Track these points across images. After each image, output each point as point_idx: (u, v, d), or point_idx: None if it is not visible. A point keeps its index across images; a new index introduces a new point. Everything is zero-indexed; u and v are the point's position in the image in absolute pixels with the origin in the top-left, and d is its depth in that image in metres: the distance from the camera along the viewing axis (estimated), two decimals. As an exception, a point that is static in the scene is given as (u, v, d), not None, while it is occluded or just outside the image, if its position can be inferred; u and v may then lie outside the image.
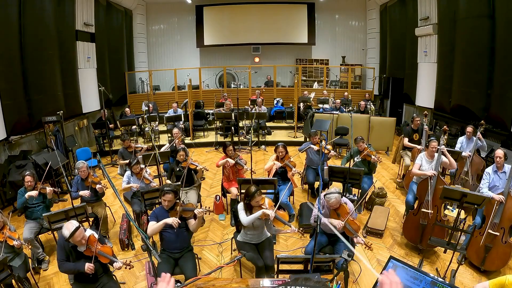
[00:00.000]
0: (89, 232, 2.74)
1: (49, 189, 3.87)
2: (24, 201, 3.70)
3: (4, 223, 3.16)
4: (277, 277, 2.76)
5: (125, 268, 2.68)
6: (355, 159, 4.78)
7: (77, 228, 2.56)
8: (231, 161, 4.60)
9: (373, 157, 4.62)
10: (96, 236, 2.73)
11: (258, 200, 3.11)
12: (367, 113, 8.19)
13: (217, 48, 12.14)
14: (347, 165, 4.46)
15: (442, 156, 3.86)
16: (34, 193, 3.67)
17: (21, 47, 5.72)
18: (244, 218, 3.11)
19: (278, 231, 3.29)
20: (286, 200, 4.39)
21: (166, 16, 12.11)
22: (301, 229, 3.20)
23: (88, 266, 2.59)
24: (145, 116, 7.92)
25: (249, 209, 3.17)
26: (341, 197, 3.20)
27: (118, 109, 9.79)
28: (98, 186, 4.10)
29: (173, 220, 2.92)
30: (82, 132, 8.17)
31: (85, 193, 4.03)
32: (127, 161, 5.47)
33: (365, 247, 2.93)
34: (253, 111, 8.44)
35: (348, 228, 3.08)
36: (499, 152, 3.71)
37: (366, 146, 4.80)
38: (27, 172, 3.80)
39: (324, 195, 3.19)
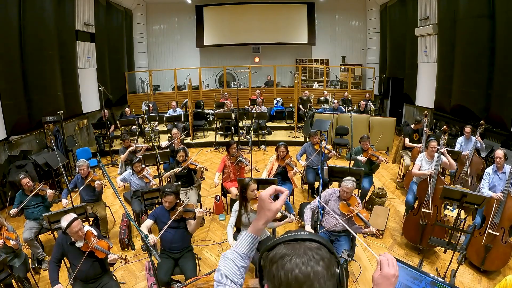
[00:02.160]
0: (87, 228, 2.75)
1: (49, 192, 3.87)
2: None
3: (1, 223, 3.16)
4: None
5: (121, 262, 2.68)
6: (357, 158, 4.77)
7: (74, 219, 2.61)
8: (216, 181, 4.63)
9: (380, 157, 4.61)
10: (95, 232, 2.74)
11: (252, 189, 3.14)
12: (367, 113, 8.19)
13: (217, 48, 12.14)
14: (347, 166, 4.45)
15: (442, 156, 3.86)
16: (13, 211, 3.64)
17: (21, 47, 5.72)
18: (230, 225, 3.21)
19: (277, 224, 3.30)
20: (286, 200, 4.39)
21: (166, 16, 12.10)
22: (298, 217, 3.24)
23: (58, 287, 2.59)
24: (145, 116, 7.92)
25: (244, 203, 3.19)
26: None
27: (118, 109, 9.78)
28: (97, 182, 4.10)
29: (151, 238, 2.86)
30: (82, 132, 8.17)
31: (65, 202, 3.99)
32: (128, 151, 5.47)
33: (376, 236, 3.06)
34: (253, 111, 8.44)
35: (359, 217, 3.14)
36: (499, 152, 3.71)
37: (370, 146, 4.80)
38: (21, 176, 3.77)
39: (340, 183, 3.32)
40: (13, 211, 3.64)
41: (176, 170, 4.49)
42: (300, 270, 0.71)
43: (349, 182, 3.26)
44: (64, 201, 4.04)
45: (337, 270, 0.76)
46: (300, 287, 0.71)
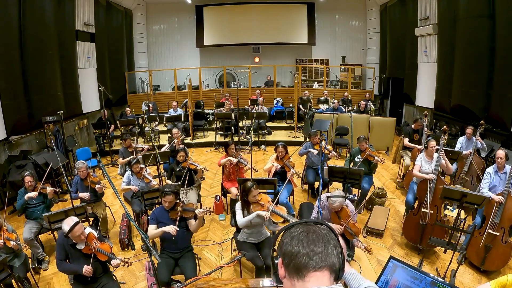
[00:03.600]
0: (88, 230, 2.75)
1: (49, 189, 3.87)
2: (23, 203, 3.69)
3: (1, 224, 3.15)
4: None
5: (123, 265, 2.68)
6: (356, 158, 4.77)
7: (76, 223, 2.59)
8: (234, 160, 4.60)
9: (376, 157, 4.61)
10: (96, 234, 2.74)
11: (254, 194, 3.12)
12: (367, 113, 8.19)
13: (217, 48, 12.14)
14: (347, 165, 4.45)
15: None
16: (33, 194, 3.65)
17: (21, 47, 5.72)
18: (240, 219, 3.14)
19: (278, 227, 3.30)
20: (286, 200, 4.39)
21: (166, 16, 12.11)
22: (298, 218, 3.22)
23: (86, 269, 2.59)
24: (145, 116, 7.92)
25: (246, 206, 3.18)
26: (345, 201, 3.19)
27: (118, 109, 9.79)
28: (97, 186, 4.10)
29: (170, 228, 2.92)
30: (82, 132, 8.17)
31: (84, 195, 4.01)
32: (127, 159, 5.48)
33: (365, 251, 2.92)
34: (253, 111, 8.44)
35: (348, 231, 3.07)
36: (501, 153, 3.70)
37: (367, 146, 4.79)
38: (27, 173, 3.80)
39: (328, 197, 3.19)
40: (34, 194, 3.64)
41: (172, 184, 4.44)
42: (316, 244, 0.85)
43: (335, 200, 3.06)
44: (84, 194, 4.04)
45: (340, 257, 0.88)
46: (316, 255, 0.84)
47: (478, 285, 3.29)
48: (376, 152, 4.79)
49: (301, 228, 0.89)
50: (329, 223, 0.92)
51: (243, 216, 3.16)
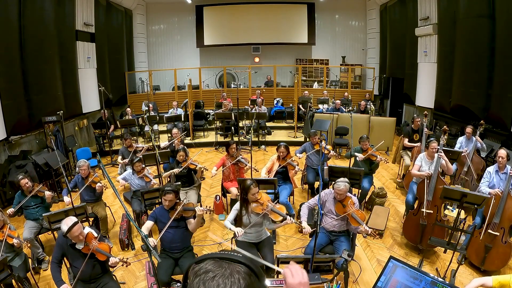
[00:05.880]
0: (87, 230, 2.74)
1: (47, 193, 3.85)
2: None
3: (4, 222, 3.17)
4: (277, 277, 2.76)
5: (122, 264, 2.68)
6: (356, 154, 4.77)
7: (75, 223, 2.59)
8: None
9: (378, 157, 4.61)
10: (95, 234, 2.74)
11: (254, 192, 3.13)
12: (367, 113, 8.19)
13: (217, 48, 12.14)
14: (347, 166, 4.45)
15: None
16: (10, 211, 3.58)
17: (21, 47, 5.72)
18: (228, 219, 3.17)
19: (277, 225, 3.31)
20: (286, 200, 4.39)
21: (166, 16, 12.11)
22: (298, 220, 3.24)
23: None
24: (145, 116, 7.92)
25: (245, 204, 3.19)
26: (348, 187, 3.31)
27: (118, 109, 9.79)
28: (98, 185, 4.10)
29: (152, 242, 2.80)
30: (82, 132, 8.17)
31: (67, 201, 3.87)
32: (126, 160, 5.47)
33: (371, 236, 3.10)
34: (253, 111, 8.44)
35: (354, 217, 3.14)
36: (502, 152, 3.69)
37: (370, 146, 4.79)
38: (20, 176, 3.74)
39: (333, 184, 3.31)
40: (10, 211, 3.61)
41: (176, 170, 4.49)
42: None
43: (341, 184, 3.21)
44: (66, 199, 4.00)
45: None
46: None
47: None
48: (378, 152, 4.79)
49: (209, 266, 0.72)
50: (255, 264, 0.75)
51: (240, 215, 3.17)
